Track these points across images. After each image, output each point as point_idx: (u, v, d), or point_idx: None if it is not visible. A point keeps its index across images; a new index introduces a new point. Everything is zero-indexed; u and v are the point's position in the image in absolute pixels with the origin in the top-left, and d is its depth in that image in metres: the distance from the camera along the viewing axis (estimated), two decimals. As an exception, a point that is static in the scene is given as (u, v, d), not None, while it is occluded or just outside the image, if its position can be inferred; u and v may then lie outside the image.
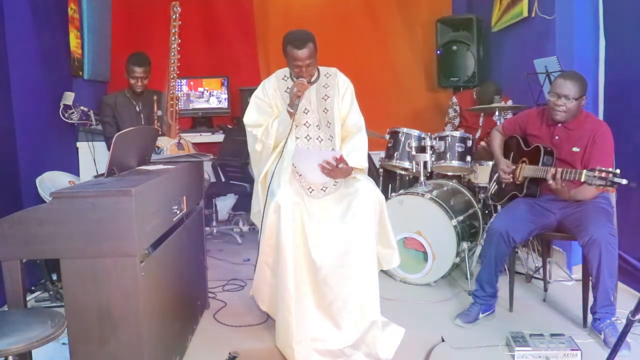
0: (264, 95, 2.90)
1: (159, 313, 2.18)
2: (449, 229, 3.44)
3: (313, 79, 2.86)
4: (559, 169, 2.72)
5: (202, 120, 5.21)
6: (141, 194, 1.95)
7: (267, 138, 2.82)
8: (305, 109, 2.86)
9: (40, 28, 3.70)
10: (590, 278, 2.73)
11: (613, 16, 3.43)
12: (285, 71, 2.93)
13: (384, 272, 3.45)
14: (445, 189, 3.82)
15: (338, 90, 2.90)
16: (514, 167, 3.06)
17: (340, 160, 2.67)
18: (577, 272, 3.32)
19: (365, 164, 2.84)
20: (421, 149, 3.79)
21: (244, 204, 4.78)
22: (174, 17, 3.47)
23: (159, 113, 3.68)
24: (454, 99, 4.70)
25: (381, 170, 4.23)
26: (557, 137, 2.93)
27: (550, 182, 2.72)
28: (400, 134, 3.87)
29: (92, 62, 4.57)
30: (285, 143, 2.79)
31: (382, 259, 2.87)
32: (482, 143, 4.15)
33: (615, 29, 3.42)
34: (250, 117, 2.89)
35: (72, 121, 4.01)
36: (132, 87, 3.86)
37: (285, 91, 2.86)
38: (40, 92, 3.71)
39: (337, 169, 2.68)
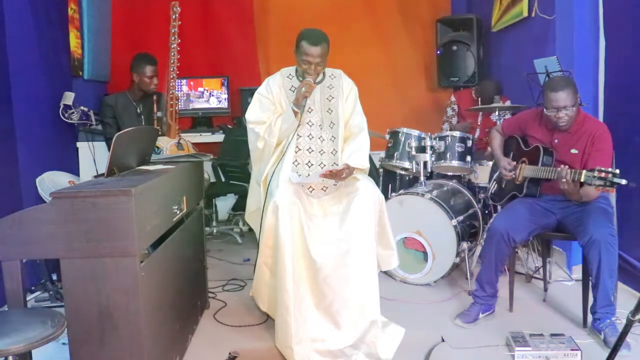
0: (268, 92, 2.89)
1: (159, 313, 2.18)
2: (449, 229, 3.43)
3: (318, 79, 2.86)
4: (565, 167, 2.71)
5: (202, 120, 5.21)
6: (141, 194, 1.95)
7: (270, 136, 2.81)
8: (310, 107, 2.85)
9: (40, 28, 3.69)
10: (590, 278, 2.73)
11: (613, 16, 3.42)
12: (290, 70, 2.93)
13: (384, 272, 3.44)
14: (445, 189, 3.81)
15: (342, 92, 2.90)
16: (515, 165, 3.06)
17: (342, 171, 2.70)
18: (577, 272, 3.32)
19: (366, 164, 2.85)
20: (421, 149, 3.79)
21: (244, 204, 4.76)
22: (173, 17, 3.46)
23: (159, 114, 3.66)
24: (453, 98, 4.70)
25: (381, 170, 4.23)
26: (556, 141, 2.93)
27: (563, 181, 2.70)
28: (400, 134, 3.87)
29: (92, 62, 4.57)
30: (289, 143, 2.79)
31: (381, 260, 2.87)
32: (490, 148, 4.14)
33: (615, 29, 3.42)
34: (252, 113, 2.88)
35: (72, 121, 4.00)
36: (146, 88, 3.68)
37: (290, 89, 2.86)
38: (40, 92, 3.71)
39: (339, 177, 2.70)
